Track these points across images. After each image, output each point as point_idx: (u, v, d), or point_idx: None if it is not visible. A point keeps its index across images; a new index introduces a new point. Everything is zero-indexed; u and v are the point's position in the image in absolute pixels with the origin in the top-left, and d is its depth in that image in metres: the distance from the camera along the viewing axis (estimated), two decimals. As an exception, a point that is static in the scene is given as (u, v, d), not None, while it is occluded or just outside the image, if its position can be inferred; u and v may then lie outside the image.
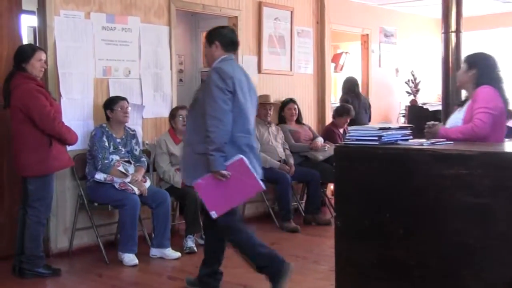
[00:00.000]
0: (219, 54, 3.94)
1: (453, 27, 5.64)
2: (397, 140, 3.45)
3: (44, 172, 4.53)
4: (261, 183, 3.82)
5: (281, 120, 6.93)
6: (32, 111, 4.42)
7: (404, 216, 3.18)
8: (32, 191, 4.54)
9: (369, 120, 7.92)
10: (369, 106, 8.16)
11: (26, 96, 4.44)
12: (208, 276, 4.16)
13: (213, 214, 3.83)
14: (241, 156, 3.76)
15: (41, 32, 5.17)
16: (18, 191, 4.74)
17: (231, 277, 4.37)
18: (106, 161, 5.07)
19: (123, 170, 5.12)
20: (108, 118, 5.27)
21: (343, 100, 7.82)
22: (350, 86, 8.18)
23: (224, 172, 3.73)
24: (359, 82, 8.53)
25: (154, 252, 5.16)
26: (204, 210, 5.44)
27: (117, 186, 5.03)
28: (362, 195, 3.36)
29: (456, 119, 3.97)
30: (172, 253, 5.12)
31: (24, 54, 4.56)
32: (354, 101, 7.73)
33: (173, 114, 5.72)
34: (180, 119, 5.58)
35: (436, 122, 4.04)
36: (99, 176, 5.05)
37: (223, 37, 3.96)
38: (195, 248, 5.31)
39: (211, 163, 3.72)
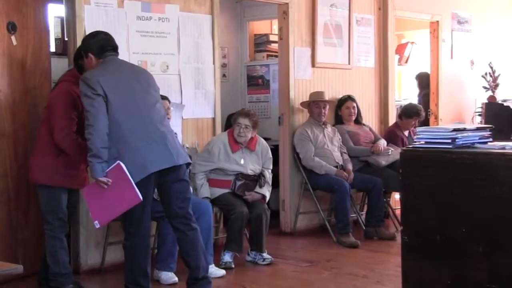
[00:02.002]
0: (96, 63, 4.36)
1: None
2: (474, 142, 3.42)
3: (43, 181, 4.57)
4: (138, 193, 4.03)
5: (338, 120, 6.88)
6: (51, 114, 4.53)
7: (484, 231, 3.13)
8: (41, 202, 4.64)
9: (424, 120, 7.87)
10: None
11: (54, 97, 4.56)
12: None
13: (96, 224, 4.18)
14: (119, 161, 4.05)
15: (70, 23, 5.25)
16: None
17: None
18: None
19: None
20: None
21: (423, 95, 8.15)
22: (427, 82, 8.35)
23: (103, 179, 4.07)
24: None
25: (195, 269, 5.17)
26: (248, 224, 5.52)
27: (155, 196, 5.04)
28: (433, 206, 3.32)
29: None
30: (215, 271, 5.12)
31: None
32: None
33: (234, 118, 5.64)
34: (238, 127, 5.54)
35: None
36: None
37: (93, 48, 4.37)
38: (232, 264, 5.34)
39: (91, 170, 4.14)
